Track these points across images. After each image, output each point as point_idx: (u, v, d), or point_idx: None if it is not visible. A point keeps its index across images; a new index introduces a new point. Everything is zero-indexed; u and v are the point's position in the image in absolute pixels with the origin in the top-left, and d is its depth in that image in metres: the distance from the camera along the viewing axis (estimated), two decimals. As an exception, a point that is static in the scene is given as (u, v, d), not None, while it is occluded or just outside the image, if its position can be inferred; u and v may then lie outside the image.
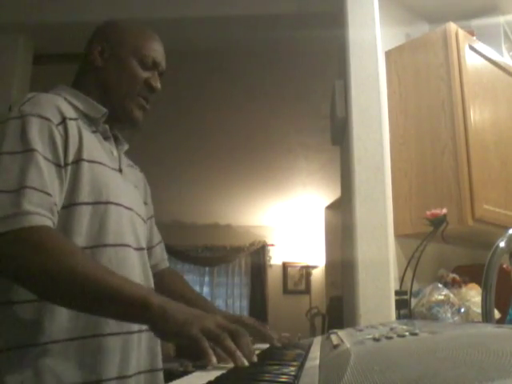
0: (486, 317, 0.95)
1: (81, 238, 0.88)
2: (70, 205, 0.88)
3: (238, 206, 5.93)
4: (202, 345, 0.67)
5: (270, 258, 6.73)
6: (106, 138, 1.03)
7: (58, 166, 0.86)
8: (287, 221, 6.50)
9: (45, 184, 0.82)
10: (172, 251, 6.44)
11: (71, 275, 0.75)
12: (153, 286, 1.04)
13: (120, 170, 1.03)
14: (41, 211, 0.79)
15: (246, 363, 0.65)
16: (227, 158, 4.52)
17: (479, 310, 1.61)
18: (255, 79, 3.16)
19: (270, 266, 6.71)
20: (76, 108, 0.97)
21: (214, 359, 0.65)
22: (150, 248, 1.16)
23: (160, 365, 1.01)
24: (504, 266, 1.66)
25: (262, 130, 3.94)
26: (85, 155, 0.91)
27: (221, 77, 3.07)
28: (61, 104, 0.93)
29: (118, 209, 0.96)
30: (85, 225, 0.89)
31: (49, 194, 0.82)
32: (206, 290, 6.73)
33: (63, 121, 0.90)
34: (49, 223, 0.80)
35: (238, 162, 4.61)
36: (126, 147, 1.11)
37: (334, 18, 2.09)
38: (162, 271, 1.20)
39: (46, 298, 0.80)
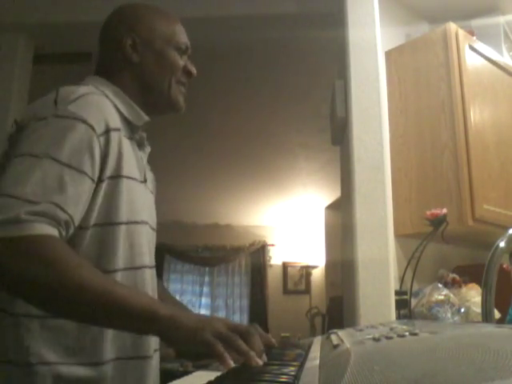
0: (486, 317, 0.95)
1: (117, 258, 0.86)
2: (108, 224, 0.85)
3: (238, 205, 5.93)
4: (217, 349, 0.66)
5: (270, 257, 6.73)
6: (139, 146, 1.00)
7: (90, 179, 0.82)
8: (287, 221, 6.50)
9: (65, 201, 0.76)
10: (172, 251, 6.46)
11: (77, 288, 0.71)
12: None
13: (145, 181, 1.00)
14: (43, 219, 0.73)
15: (261, 362, 0.66)
16: (227, 158, 4.52)
17: (479, 310, 1.61)
18: (255, 79, 3.15)
19: (270, 265, 6.71)
20: (119, 112, 0.94)
21: (231, 363, 0.65)
22: None
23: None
24: (504, 266, 1.66)
25: (262, 130, 3.93)
26: (124, 171, 0.88)
27: (220, 77, 3.07)
28: (108, 111, 0.88)
29: (144, 228, 0.94)
30: (120, 245, 0.87)
31: (64, 211, 0.76)
32: (205, 289, 6.73)
33: (107, 131, 0.85)
34: (52, 231, 0.74)
35: (238, 161, 4.61)
36: (148, 149, 1.06)
37: (334, 18, 2.09)
38: None
39: (47, 310, 0.77)
